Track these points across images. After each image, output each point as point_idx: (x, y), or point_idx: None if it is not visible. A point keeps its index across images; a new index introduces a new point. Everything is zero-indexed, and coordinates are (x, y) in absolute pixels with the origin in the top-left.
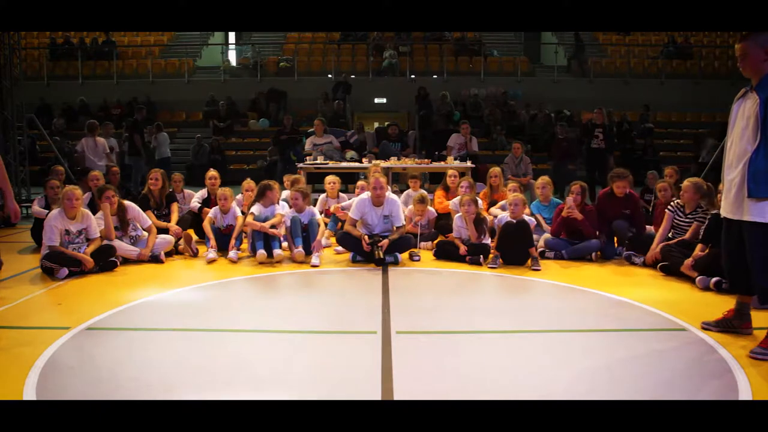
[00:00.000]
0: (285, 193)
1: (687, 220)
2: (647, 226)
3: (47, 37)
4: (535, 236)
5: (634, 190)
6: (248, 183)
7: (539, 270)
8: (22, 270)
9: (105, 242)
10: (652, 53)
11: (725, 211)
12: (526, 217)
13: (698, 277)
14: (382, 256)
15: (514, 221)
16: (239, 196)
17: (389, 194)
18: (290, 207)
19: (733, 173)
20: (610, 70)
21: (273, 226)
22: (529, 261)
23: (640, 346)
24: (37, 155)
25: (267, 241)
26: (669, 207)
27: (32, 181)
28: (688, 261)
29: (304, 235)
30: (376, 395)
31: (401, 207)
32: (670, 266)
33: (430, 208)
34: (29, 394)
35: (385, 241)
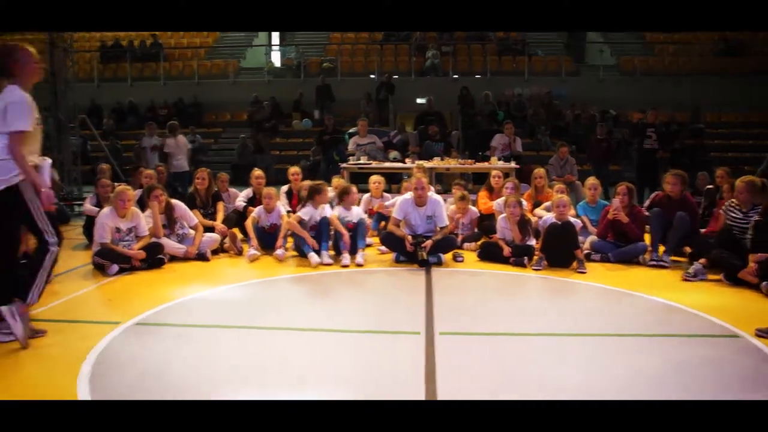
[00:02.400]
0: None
1: (747, 218)
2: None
3: (98, 40)
4: (581, 238)
5: (688, 192)
6: (294, 168)
7: (585, 272)
8: (74, 266)
9: (153, 240)
10: (701, 51)
11: None
12: (572, 219)
13: (763, 283)
14: (425, 257)
15: (559, 223)
16: (284, 188)
17: (432, 194)
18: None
19: None
20: (657, 68)
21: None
22: (575, 263)
23: (690, 351)
24: (89, 155)
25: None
26: (723, 208)
27: (84, 180)
28: (752, 266)
29: (351, 234)
30: (419, 396)
31: (444, 207)
32: (729, 276)
33: (472, 208)
34: (82, 387)
35: (429, 242)
